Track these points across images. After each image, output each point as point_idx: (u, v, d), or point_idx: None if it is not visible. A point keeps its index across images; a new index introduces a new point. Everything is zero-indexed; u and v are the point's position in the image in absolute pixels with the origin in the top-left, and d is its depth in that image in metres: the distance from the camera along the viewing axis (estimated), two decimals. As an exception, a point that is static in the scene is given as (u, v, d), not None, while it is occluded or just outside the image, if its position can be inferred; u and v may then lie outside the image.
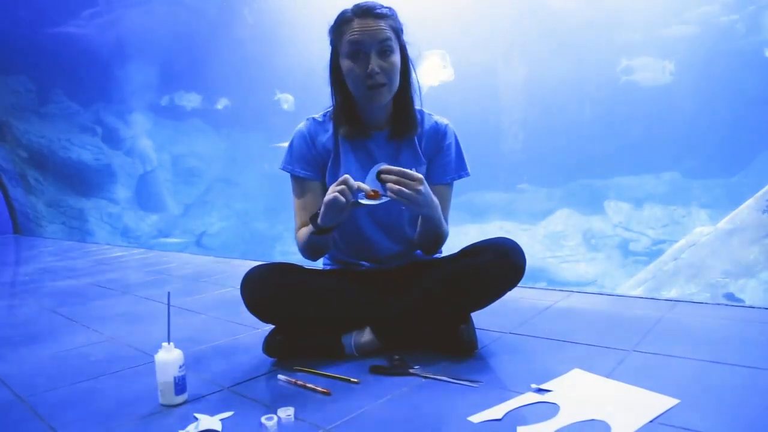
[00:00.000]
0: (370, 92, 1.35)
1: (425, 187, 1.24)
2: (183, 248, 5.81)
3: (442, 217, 1.39)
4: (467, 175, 1.52)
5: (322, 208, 1.25)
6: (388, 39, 1.34)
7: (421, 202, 1.23)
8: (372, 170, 1.25)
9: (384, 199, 1.23)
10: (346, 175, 1.23)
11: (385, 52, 1.34)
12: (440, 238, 1.45)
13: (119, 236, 7.39)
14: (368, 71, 1.32)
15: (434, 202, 1.30)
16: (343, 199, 1.20)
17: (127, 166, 7.79)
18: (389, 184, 1.21)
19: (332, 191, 1.21)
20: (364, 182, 1.25)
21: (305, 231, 1.39)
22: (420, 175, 1.23)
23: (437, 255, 1.60)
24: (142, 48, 7.35)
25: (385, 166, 1.23)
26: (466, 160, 1.52)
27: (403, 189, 1.20)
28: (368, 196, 1.23)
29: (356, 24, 1.34)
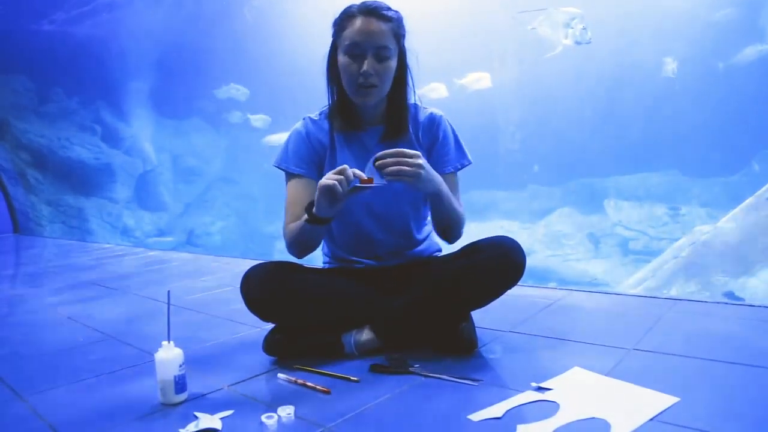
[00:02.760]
0: (360, 91, 1.36)
1: (426, 162, 1.25)
2: (175, 247, 5.81)
3: (451, 194, 1.39)
4: (469, 163, 1.52)
5: (317, 193, 1.24)
6: (387, 43, 1.35)
7: (424, 177, 1.24)
8: (369, 163, 1.25)
9: (382, 182, 1.23)
10: (345, 165, 1.22)
11: (381, 55, 1.35)
12: (456, 217, 1.43)
13: (119, 235, 7.38)
14: (362, 71, 1.33)
15: (437, 177, 1.31)
16: (340, 188, 1.20)
17: (127, 165, 7.78)
18: (389, 168, 1.21)
19: (330, 178, 1.20)
20: None
21: (296, 224, 1.38)
22: (417, 152, 1.23)
23: (437, 253, 1.60)
24: (142, 46, 7.34)
25: (379, 153, 1.23)
26: (466, 149, 1.52)
27: (404, 168, 1.21)
28: (363, 182, 1.23)
29: (359, 22, 1.34)
